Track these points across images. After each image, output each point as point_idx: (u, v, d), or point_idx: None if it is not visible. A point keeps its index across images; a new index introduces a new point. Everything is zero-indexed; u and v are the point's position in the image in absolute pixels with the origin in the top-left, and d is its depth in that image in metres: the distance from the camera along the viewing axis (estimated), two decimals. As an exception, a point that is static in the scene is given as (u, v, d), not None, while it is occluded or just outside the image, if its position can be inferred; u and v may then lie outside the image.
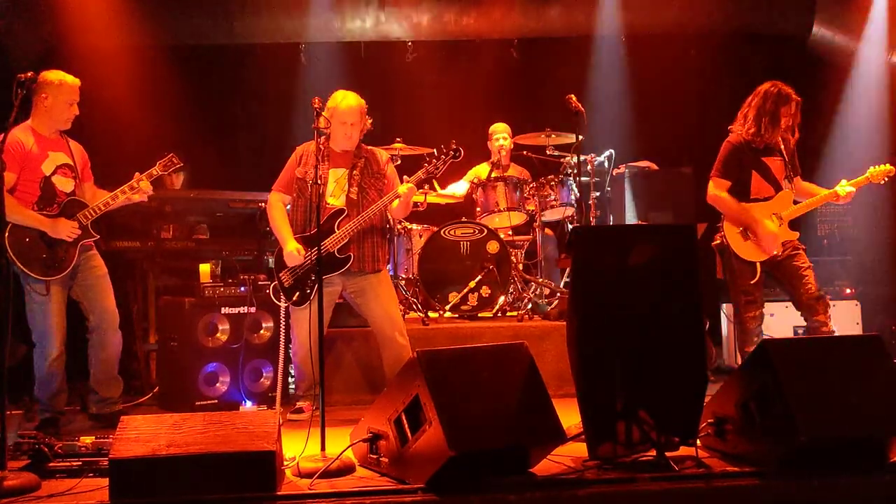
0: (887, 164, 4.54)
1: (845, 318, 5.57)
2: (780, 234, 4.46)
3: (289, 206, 4.48)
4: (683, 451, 3.21)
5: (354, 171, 4.40)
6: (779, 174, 4.58)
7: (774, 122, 4.49)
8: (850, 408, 3.04)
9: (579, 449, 3.24)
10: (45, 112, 4.19)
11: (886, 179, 4.55)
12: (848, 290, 5.80)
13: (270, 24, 6.62)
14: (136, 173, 4.30)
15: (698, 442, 3.28)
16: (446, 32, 6.88)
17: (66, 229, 4.12)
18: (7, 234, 3.92)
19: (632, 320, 3.17)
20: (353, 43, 6.90)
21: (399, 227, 5.69)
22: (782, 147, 4.60)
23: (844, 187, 4.53)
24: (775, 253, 4.45)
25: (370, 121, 4.46)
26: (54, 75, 4.19)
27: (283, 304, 4.35)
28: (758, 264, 4.47)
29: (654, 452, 3.17)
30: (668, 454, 3.14)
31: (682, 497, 2.96)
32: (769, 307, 5.57)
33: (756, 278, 4.48)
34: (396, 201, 4.36)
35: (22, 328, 4.24)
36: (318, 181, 3.74)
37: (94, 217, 4.24)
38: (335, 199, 4.38)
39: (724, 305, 5.86)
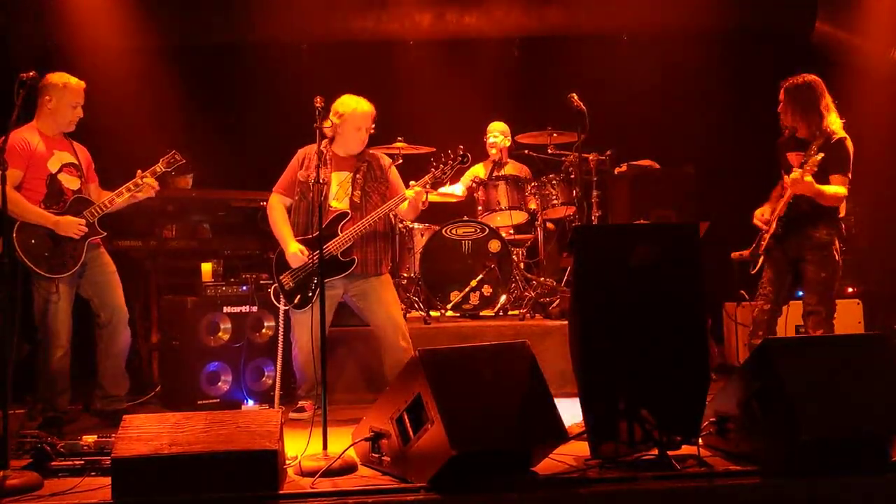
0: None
1: (847, 317, 5.55)
2: (769, 229, 4.47)
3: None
4: (685, 449, 3.21)
5: (358, 175, 4.41)
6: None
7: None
8: (852, 407, 3.03)
9: (581, 448, 3.24)
10: (49, 114, 4.20)
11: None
12: (850, 289, 5.79)
13: (272, 24, 6.63)
14: (139, 171, 4.30)
15: (700, 441, 3.27)
16: (448, 31, 6.88)
17: (72, 227, 4.12)
18: (15, 233, 3.94)
19: (634, 319, 3.17)
20: (354, 42, 6.90)
21: (401, 226, 5.69)
22: (815, 143, 4.47)
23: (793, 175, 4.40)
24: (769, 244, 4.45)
25: (374, 126, 4.47)
26: (59, 77, 4.19)
27: (282, 307, 4.35)
28: (759, 259, 4.49)
29: (656, 451, 3.17)
30: (670, 453, 3.14)
31: (685, 496, 2.95)
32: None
33: (755, 270, 4.51)
34: (405, 203, 4.36)
35: (24, 326, 4.24)
36: (321, 181, 3.74)
37: (101, 214, 4.25)
38: (338, 202, 4.38)
39: (726, 304, 5.86)
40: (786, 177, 4.44)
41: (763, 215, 4.54)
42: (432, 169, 4.37)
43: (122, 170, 4.50)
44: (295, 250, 4.27)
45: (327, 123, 4.14)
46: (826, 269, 4.33)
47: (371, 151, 4.58)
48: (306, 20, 6.68)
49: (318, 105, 3.68)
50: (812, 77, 4.51)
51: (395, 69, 6.95)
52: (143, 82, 6.12)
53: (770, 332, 4.53)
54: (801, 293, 4.48)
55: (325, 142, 4.41)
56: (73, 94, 4.21)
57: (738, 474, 3.06)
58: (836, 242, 4.37)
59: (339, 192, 4.39)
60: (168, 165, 4.36)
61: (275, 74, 6.69)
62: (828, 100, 4.48)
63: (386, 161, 4.57)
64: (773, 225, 4.44)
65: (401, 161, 5.45)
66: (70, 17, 5.89)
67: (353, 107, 4.36)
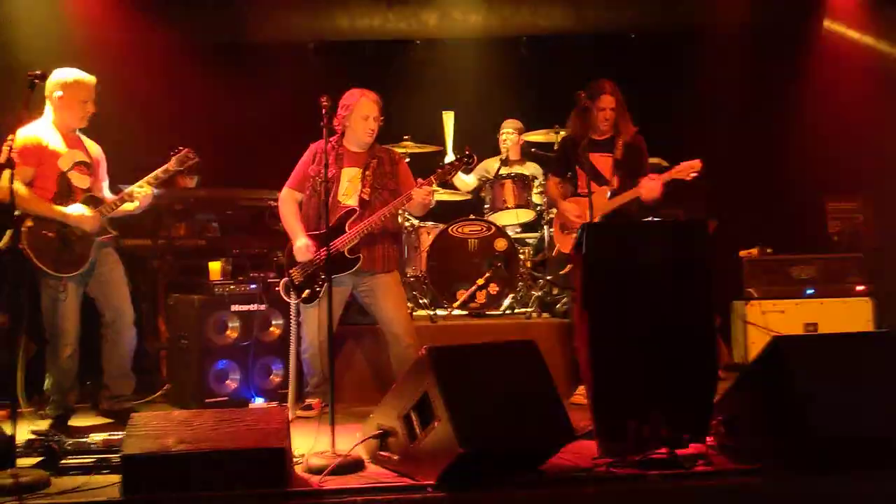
0: (697, 160, 4.50)
1: (857, 315, 5.55)
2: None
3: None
4: (694, 448, 3.19)
5: (367, 172, 4.42)
6: (605, 171, 4.66)
7: (585, 115, 4.57)
8: (861, 405, 3.02)
9: (589, 446, 3.24)
10: (60, 110, 4.19)
11: (694, 174, 4.52)
12: (860, 287, 5.77)
13: (280, 23, 6.64)
14: (148, 176, 4.26)
15: (709, 439, 3.27)
16: (454, 30, 6.88)
17: (89, 221, 4.12)
18: (24, 231, 3.94)
19: (642, 317, 3.16)
20: (361, 42, 6.91)
21: (407, 224, 5.69)
22: (620, 143, 4.61)
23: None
24: None
25: (382, 117, 4.48)
26: (70, 73, 4.19)
27: (293, 301, 4.36)
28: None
29: (664, 450, 3.15)
30: (678, 452, 3.13)
31: (693, 495, 2.94)
32: (780, 303, 5.57)
33: (567, 269, 4.68)
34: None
35: (32, 325, 4.25)
36: (328, 181, 3.75)
37: (111, 213, 4.24)
38: (348, 198, 4.40)
39: (734, 303, 5.84)
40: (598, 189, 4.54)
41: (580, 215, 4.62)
42: (438, 170, 4.38)
43: (127, 167, 4.50)
44: (301, 244, 4.29)
45: (335, 121, 4.13)
46: None
47: (382, 147, 4.60)
48: (313, 19, 6.69)
49: (324, 104, 3.67)
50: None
51: (401, 68, 6.96)
52: (149, 81, 6.12)
53: None
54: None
55: (335, 137, 4.43)
56: (85, 90, 4.20)
57: (747, 473, 3.04)
58: None
59: (348, 189, 4.41)
60: (181, 164, 4.27)
61: (282, 73, 6.70)
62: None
63: (397, 156, 4.59)
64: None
65: (408, 160, 5.44)
66: (75, 14, 5.90)
67: (358, 97, 4.38)
